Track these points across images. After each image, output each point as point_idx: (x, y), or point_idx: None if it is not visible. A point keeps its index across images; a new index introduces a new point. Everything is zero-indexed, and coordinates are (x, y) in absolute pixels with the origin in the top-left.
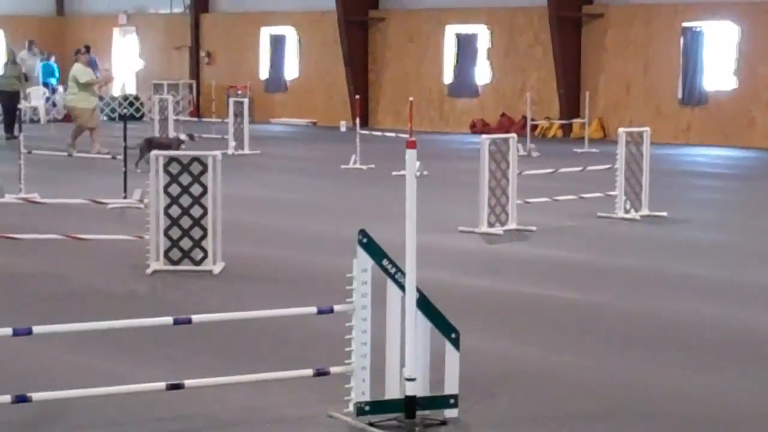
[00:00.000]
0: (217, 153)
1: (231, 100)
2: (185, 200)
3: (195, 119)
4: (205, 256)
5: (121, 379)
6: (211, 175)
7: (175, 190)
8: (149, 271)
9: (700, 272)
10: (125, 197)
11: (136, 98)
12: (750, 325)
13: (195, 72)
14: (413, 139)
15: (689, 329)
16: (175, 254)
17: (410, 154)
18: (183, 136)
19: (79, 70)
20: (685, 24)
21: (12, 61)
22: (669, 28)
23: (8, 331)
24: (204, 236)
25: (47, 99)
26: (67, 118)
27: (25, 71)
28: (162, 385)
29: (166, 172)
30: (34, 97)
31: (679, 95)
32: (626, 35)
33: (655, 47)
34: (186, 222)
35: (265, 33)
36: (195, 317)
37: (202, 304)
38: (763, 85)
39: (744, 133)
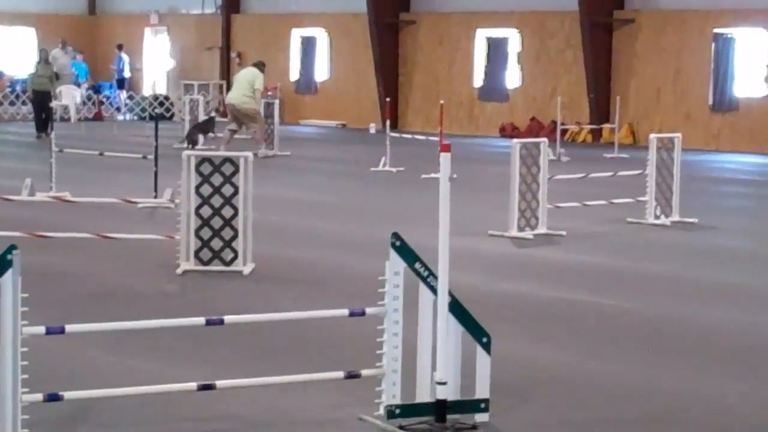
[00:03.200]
0: (249, 154)
1: (262, 102)
2: (216, 200)
3: (225, 120)
4: (236, 257)
5: (151, 378)
6: (243, 176)
7: (206, 190)
8: (179, 271)
9: (732, 279)
10: (156, 197)
11: (166, 98)
12: None
13: (226, 72)
14: (448, 143)
15: (720, 336)
16: (206, 254)
17: (444, 158)
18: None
19: (258, 76)
20: (717, 30)
21: (44, 60)
22: (700, 34)
23: (41, 329)
24: (235, 237)
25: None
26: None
27: (57, 70)
28: (193, 385)
29: (198, 172)
30: (65, 96)
31: (710, 101)
32: (657, 41)
33: (686, 53)
34: (217, 222)
35: (296, 34)
36: (227, 318)
37: (232, 304)
38: None
39: None
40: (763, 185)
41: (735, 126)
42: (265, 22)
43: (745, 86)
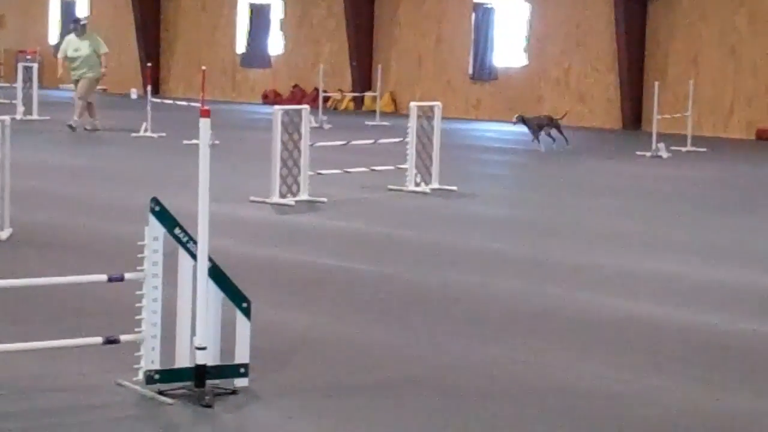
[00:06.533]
0: (6, 117)
1: (20, 65)
2: None
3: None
4: None
5: None
6: (0, 141)
7: None
8: None
9: (487, 245)
10: None
11: None
12: (533, 297)
13: None
14: (207, 108)
15: (477, 301)
16: None
17: (204, 123)
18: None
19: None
20: (477, 0)
21: None
22: (461, 3)
23: None
24: None
25: None
26: None
27: None
28: None
29: None
30: None
31: (470, 71)
32: (419, 10)
33: (446, 22)
34: None
35: None
36: None
37: None
38: (551, 62)
39: (532, 109)
40: (519, 154)
41: (494, 95)
42: None
43: (504, 56)
